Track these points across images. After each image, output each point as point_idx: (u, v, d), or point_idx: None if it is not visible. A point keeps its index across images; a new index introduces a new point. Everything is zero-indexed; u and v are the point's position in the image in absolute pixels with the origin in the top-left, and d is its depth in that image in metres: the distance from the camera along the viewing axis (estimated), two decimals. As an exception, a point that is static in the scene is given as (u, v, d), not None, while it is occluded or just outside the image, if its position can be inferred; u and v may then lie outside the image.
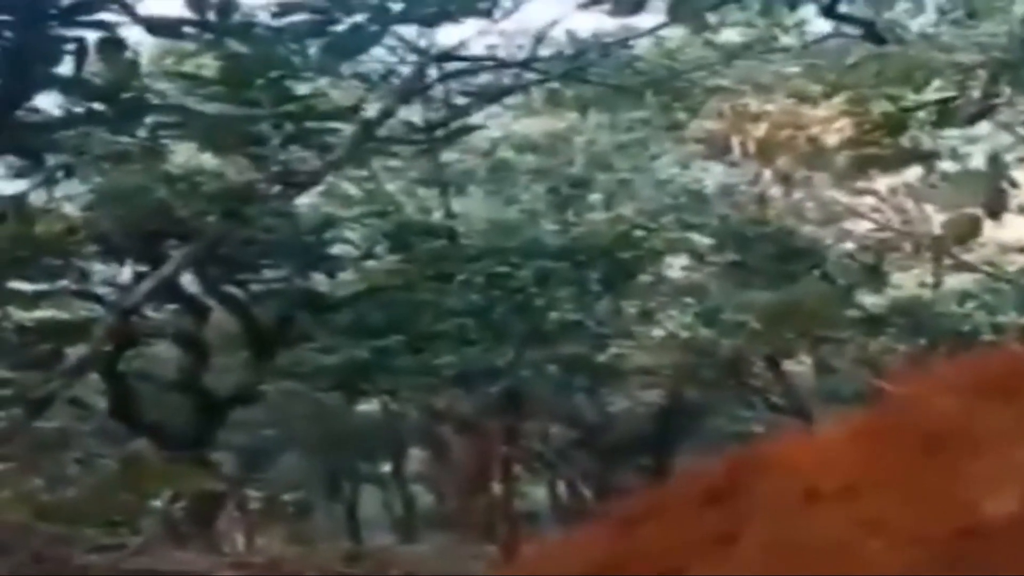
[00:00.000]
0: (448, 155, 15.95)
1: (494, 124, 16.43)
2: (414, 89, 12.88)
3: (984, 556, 1.70)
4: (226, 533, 18.00)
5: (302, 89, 11.69)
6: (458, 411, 18.41)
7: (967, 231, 8.93)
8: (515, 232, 15.94)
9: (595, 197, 16.66)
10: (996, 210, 8.90)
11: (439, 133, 13.72)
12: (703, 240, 16.22)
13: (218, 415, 15.34)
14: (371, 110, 12.38)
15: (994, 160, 9.11)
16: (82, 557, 11.16)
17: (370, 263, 16.14)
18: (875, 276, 15.69)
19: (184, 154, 13.23)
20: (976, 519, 1.75)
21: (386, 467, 21.75)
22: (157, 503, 14.22)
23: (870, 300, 15.87)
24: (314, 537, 19.40)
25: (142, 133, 11.67)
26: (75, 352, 11.30)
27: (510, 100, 16.03)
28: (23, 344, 12.54)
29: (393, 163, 15.96)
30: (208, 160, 13.25)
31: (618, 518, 2.18)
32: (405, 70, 12.87)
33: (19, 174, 12.24)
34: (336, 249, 15.72)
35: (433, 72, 13.12)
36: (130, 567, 11.35)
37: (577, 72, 13.84)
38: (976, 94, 11.35)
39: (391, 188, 16.51)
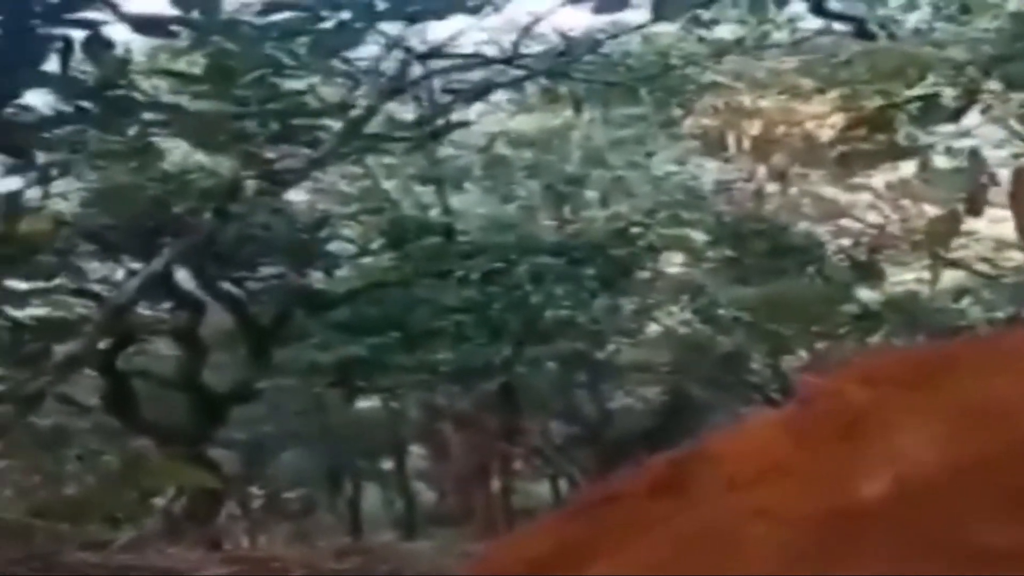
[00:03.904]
0: (444, 151, 15.99)
1: (490, 120, 16.47)
2: (401, 86, 12.93)
3: (853, 534, 1.81)
4: (228, 531, 18.05)
5: (289, 86, 11.72)
6: (456, 408, 18.45)
7: (947, 228, 8.94)
8: (511, 229, 15.99)
9: (591, 194, 16.69)
10: (977, 207, 8.89)
11: (428, 129, 13.77)
12: (699, 236, 16.23)
13: (217, 412, 15.39)
14: (360, 107, 12.43)
15: (974, 156, 9.11)
16: (74, 554, 11.20)
17: (367, 260, 16.20)
18: (871, 272, 15.72)
19: (178, 151, 13.29)
20: (850, 502, 1.86)
21: (387, 464, 21.77)
22: (159, 500, 14.30)
23: (866, 296, 15.88)
24: (316, 534, 19.45)
25: (131, 131, 11.70)
26: (63, 349, 11.33)
27: (505, 96, 16.08)
28: (16, 342, 12.59)
29: (389, 160, 16.00)
30: (202, 157, 13.31)
31: (572, 508, 2.23)
32: (393, 67, 12.91)
33: (11, 172, 12.27)
34: (333, 246, 15.77)
35: (421, 69, 13.17)
36: (122, 563, 11.39)
37: (566, 67, 13.87)
38: (960, 90, 11.37)
39: (387, 185, 16.56)
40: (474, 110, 15.24)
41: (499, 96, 15.88)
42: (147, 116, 11.46)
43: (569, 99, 15.79)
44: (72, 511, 12.03)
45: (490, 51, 13.76)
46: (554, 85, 15.48)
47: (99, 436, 15.60)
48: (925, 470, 1.78)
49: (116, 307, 12.37)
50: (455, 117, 14.19)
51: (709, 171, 16.63)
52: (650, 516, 1.96)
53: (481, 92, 14.53)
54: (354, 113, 12.26)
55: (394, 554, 14.32)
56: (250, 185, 12.05)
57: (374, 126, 12.84)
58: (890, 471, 1.79)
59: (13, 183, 12.16)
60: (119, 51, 10.63)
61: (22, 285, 13.07)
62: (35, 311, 13.63)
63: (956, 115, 11.98)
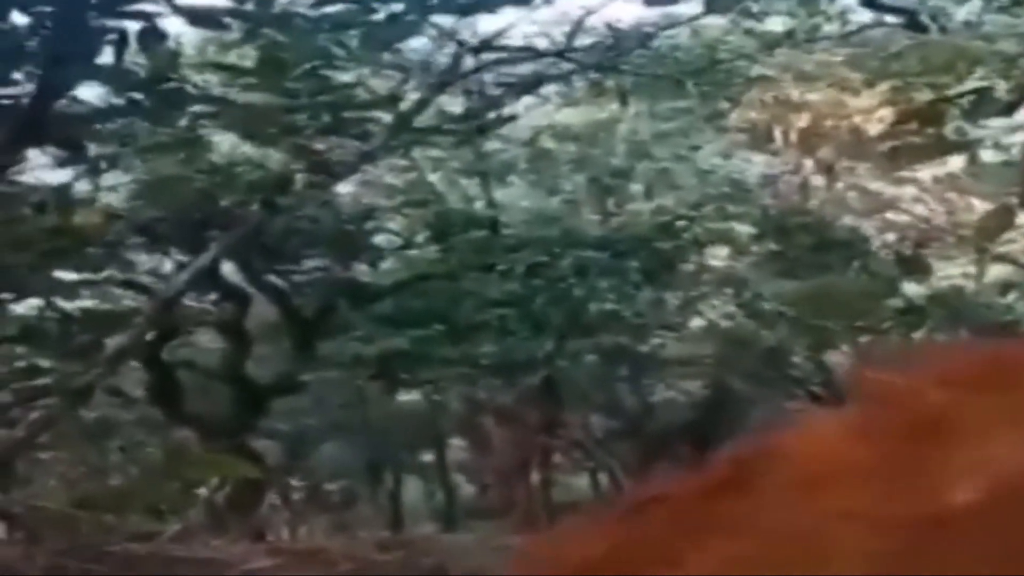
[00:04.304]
0: (490, 145, 15.96)
1: (536, 113, 16.42)
2: (451, 79, 12.92)
3: (946, 540, 1.77)
4: (270, 522, 18.09)
5: (340, 79, 11.71)
6: (498, 401, 18.43)
7: (1001, 222, 8.88)
8: (556, 222, 15.96)
9: (636, 187, 16.65)
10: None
11: (477, 123, 13.75)
12: (745, 230, 16.16)
13: (260, 404, 15.42)
14: (410, 100, 12.42)
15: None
16: (119, 545, 11.23)
17: (411, 253, 16.19)
18: (917, 266, 15.64)
19: (226, 143, 13.29)
20: (942, 507, 1.81)
21: (428, 456, 21.78)
22: (202, 491, 14.33)
23: (911, 290, 15.79)
24: (357, 526, 19.47)
25: (182, 123, 11.72)
26: (114, 342, 11.35)
27: (551, 89, 16.03)
28: (65, 334, 12.62)
29: (435, 153, 15.99)
30: (250, 150, 13.32)
31: (623, 507, 2.18)
32: (443, 60, 12.91)
33: (62, 164, 12.30)
34: (378, 239, 15.77)
35: (471, 61, 13.15)
36: (167, 554, 11.42)
37: (615, 60, 13.83)
38: (1012, 83, 11.29)
39: (433, 178, 16.55)
40: (522, 103, 15.21)
41: (548, 89, 15.84)
42: (197, 108, 11.48)
43: (615, 92, 15.75)
44: (116, 502, 12.05)
45: (541, 44, 13.74)
46: (602, 78, 15.43)
47: (143, 428, 15.65)
48: (1016, 476, 1.75)
49: (165, 300, 12.40)
50: (505, 111, 14.16)
51: (755, 164, 16.55)
52: (713, 517, 1.92)
53: (531, 85, 14.51)
54: (404, 106, 12.25)
55: (436, 547, 14.31)
56: (299, 178, 12.05)
57: (424, 119, 12.83)
58: (982, 477, 1.76)
59: (64, 175, 12.21)
60: (175, 44, 10.65)
61: (72, 276, 13.11)
62: (84, 303, 13.67)
63: (1009, 109, 11.90)
